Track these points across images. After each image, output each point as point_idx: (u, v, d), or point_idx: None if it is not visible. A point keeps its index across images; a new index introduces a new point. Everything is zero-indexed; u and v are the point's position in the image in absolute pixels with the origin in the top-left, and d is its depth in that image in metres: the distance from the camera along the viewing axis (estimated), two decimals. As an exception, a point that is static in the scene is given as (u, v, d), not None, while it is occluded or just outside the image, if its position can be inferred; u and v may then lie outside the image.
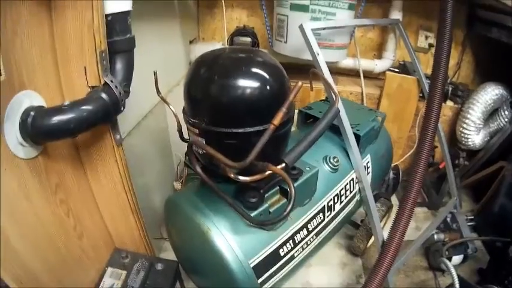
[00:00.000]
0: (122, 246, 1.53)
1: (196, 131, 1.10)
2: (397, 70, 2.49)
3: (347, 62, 2.52)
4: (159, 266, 1.44)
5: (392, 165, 2.32)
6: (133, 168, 1.54)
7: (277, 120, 0.97)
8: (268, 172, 1.02)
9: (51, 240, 1.16)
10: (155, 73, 1.23)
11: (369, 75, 2.61)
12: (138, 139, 1.70)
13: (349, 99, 2.37)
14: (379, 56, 2.66)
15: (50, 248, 1.16)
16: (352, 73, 2.64)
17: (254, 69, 1.06)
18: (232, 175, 1.02)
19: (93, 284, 1.35)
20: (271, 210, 1.23)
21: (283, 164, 1.05)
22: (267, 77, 1.06)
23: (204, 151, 1.05)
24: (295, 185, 1.28)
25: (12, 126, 0.97)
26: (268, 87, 1.06)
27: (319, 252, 1.62)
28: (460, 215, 2.24)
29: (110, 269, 1.40)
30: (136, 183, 1.56)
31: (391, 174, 2.39)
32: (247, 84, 1.03)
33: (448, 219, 2.22)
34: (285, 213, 1.03)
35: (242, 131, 1.04)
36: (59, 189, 1.19)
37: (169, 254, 1.61)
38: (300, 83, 0.96)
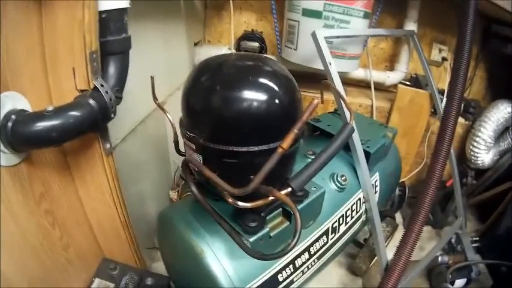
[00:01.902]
0: (111, 257, 1.40)
1: (193, 146, 0.97)
2: (408, 83, 2.35)
3: (358, 73, 2.39)
4: (149, 281, 1.32)
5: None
6: (127, 176, 1.42)
7: (287, 143, 0.83)
8: (272, 198, 0.89)
9: (35, 252, 1.04)
10: (152, 78, 1.10)
11: (380, 87, 2.47)
12: (134, 145, 1.58)
13: (359, 113, 2.23)
14: (391, 68, 2.53)
15: (33, 260, 1.04)
16: (362, 84, 2.51)
17: (262, 81, 0.92)
18: (230, 200, 0.88)
19: (78, 295, 1.24)
20: (272, 234, 1.09)
21: (289, 189, 0.91)
22: (276, 89, 0.93)
23: (198, 169, 0.92)
24: (300, 207, 1.16)
25: (-9, 131, 0.84)
26: (277, 102, 0.92)
27: (318, 270, 1.50)
28: (465, 236, 2.10)
29: (97, 280, 1.27)
30: (130, 192, 1.44)
31: (397, 191, 2.26)
32: (253, 97, 0.89)
33: (453, 240, 2.10)
34: (289, 247, 0.89)
35: (245, 150, 0.91)
36: (43, 198, 1.06)
37: (162, 264, 1.48)
38: (315, 101, 0.82)
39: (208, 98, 0.91)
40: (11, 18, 0.87)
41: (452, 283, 1.82)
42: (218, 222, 1.02)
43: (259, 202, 0.89)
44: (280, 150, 0.83)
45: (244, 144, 0.91)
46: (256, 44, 2.30)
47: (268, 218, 1.11)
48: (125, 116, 1.32)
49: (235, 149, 0.91)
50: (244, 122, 0.90)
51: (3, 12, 0.85)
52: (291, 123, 0.85)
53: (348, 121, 1.00)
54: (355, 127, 1.39)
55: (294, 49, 2.05)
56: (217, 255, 1.07)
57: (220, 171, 0.88)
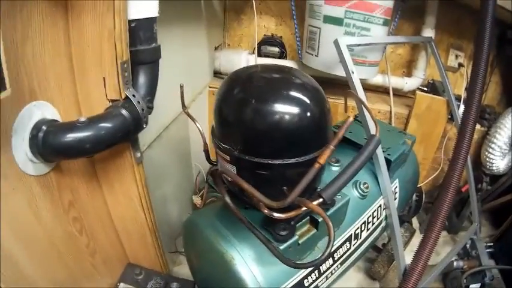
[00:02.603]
0: (136, 262, 1.41)
1: (227, 157, 0.97)
2: (425, 89, 2.33)
3: (376, 79, 2.35)
4: (174, 286, 1.32)
5: (416, 187, 2.16)
6: (152, 181, 1.42)
7: (323, 159, 0.83)
8: (305, 208, 0.89)
9: (61, 259, 1.04)
10: (181, 86, 1.08)
11: (398, 93, 2.44)
12: (159, 151, 1.58)
13: (378, 119, 2.20)
14: (409, 74, 2.50)
15: (60, 266, 1.04)
16: (380, 89, 2.49)
17: (294, 94, 0.92)
18: (266, 211, 0.88)
19: (103, 299, 1.24)
20: (300, 242, 1.09)
21: (320, 199, 0.90)
22: (308, 102, 0.92)
23: (232, 179, 0.92)
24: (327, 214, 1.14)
25: (22, 140, 0.84)
26: (309, 115, 0.92)
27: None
28: (479, 241, 2.08)
29: (122, 285, 1.28)
30: (155, 196, 1.44)
31: (414, 197, 2.25)
32: (287, 110, 0.89)
33: (468, 246, 2.07)
34: (323, 257, 0.89)
35: (279, 163, 0.91)
36: (72, 206, 1.07)
37: (184, 268, 1.50)
38: (351, 119, 0.81)
39: (243, 112, 0.91)
40: (37, 26, 0.87)
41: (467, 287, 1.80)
42: (252, 231, 1.02)
43: (293, 213, 0.89)
44: (317, 165, 0.83)
45: (278, 157, 0.91)
46: (276, 49, 2.28)
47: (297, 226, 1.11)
48: (152, 123, 1.31)
49: (269, 162, 0.91)
50: (279, 135, 0.90)
51: (28, 19, 0.84)
52: (323, 134, 0.89)
53: (373, 132, 0.99)
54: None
55: (315, 55, 2.03)
56: (247, 262, 1.07)
57: (253, 182, 0.88)
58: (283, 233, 1.02)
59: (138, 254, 1.40)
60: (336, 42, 1.53)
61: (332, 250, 1.27)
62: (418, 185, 2.25)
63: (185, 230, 1.29)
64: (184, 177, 2.05)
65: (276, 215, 0.88)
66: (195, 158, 2.05)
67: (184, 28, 1.80)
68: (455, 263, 1.92)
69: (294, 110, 0.89)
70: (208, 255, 1.17)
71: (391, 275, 1.92)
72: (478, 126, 2.32)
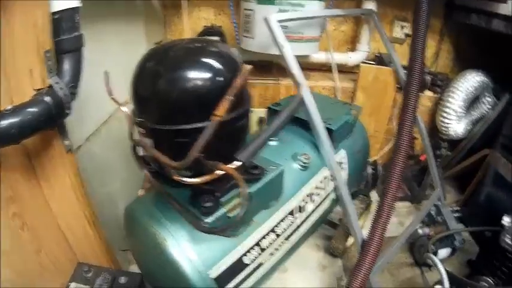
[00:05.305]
0: (84, 260, 1.41)
1: (143, 131, 1.00)
2: (372, 62, 2.40)
3: (319, 56, 2.40)
4: (122, 280, 1.33)
5: (370, 160, 2.24)
6: (94, 176, 1.45)
7: (221, 110, 0.86)
8: (220, 172, 0.92)
9: (7, 257, 1.08)
10: (106, 73, 1.14)
11: (343, 69, 2.50)
12: (99, 145, 1.61)
13: (322, 94, 2.28)
14: (353, 49, 2.56)
15: (6, 265, 1.08)
16: (325, 68, 2.52)
17: (202, 60, 0.96)
18: (176, 176, 0.92)
19: (56, 301, 1.25)
20: (230, 215, 1.12)
21: (237, 162, 0.95)
22: (218, 67, 0.96)
23: (146, 152, 0.95)
24: (258, 186, 1.18)
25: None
26: (218, 78, 0.95)
27: (295, 255, 1.53)
28: (444, 207, 2.13)
29: (73, 284, 1.29)
30: (99, 192, 1.47)
31: (370, 170, 2.28)
32: (194, 75, 0.93)
33: (433, 213, 2.12)
34: (238, 217, 0.92)
35: (190, 127, 0.93)
36: (11, 202, 1.10)
37: (138, 266, 1.50)
38: (248, 66, 0.86)
39: (150, 80, 0.96)
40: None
41: (436, 253, 1.83)
42: (170, 203, 1.05)
43: (206, 177, 0.92)
44: (215, 118, 0.86)
45: (189, 122, 0.93)
46: (216, 38, 2.33)
47: (224, 199, 1.14)
48: (88, 116, 1.36)
49: (181, 128, 0.94)
50: (187, 99, 0.93)
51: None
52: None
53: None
54: (310, 100, 1.43)
55: (252, 38, 2.09)
56: (180, 242, 1.09)
57: (173, 154, 0.91)
58: (208, 204, 1.05)
59: (85, 251, 1.42)
60: (266, 19, 1.57)
61: (273, 224, 1.30)
62: (373, 158, 2.32)
63: (125, 219, 1.31)
64: (131, 173, 2.04)
65: (186, 180, 0.91)
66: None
67: (122, 25, 1.85)
68: (420, 231, 1.97)
69: (203, 75, 0.93)
70: (145, 241, 1.20)
71: (353, 250, 1.97)
72: (430, 93, 2.40)
